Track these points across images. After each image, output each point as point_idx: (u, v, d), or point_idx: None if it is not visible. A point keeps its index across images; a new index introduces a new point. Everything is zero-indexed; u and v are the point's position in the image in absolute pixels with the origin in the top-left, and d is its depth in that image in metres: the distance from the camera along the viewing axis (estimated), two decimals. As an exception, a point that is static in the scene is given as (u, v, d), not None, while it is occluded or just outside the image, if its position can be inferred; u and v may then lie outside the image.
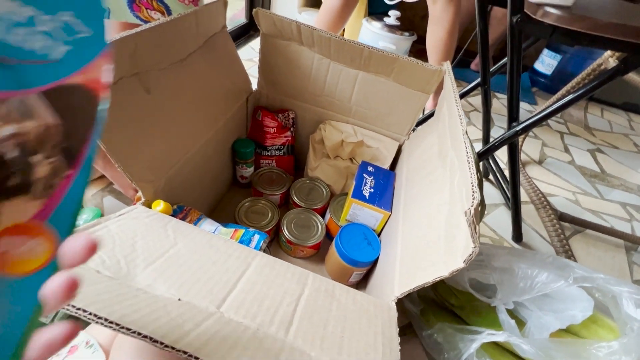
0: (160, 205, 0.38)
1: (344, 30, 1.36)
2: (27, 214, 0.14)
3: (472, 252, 0.27)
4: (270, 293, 0.30)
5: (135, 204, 0.38)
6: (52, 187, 0.14)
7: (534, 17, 0.47)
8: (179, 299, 0.27)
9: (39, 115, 0.14)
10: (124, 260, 0.29)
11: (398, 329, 0.31)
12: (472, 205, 0.27)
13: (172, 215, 0.40)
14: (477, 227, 0.27)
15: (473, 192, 0.28)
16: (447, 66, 0.51)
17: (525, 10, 0.48)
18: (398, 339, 0.29)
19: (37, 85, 0.14)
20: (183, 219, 0.42)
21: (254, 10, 0.55)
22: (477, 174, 0.43)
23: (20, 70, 0.13)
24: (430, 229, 0.38)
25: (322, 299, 0.31)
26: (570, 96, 0.54)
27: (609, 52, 0.73)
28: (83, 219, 0.33)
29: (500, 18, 1.33)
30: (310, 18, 1.37)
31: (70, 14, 0.14)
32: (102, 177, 0.66)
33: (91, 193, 0.63)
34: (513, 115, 0.60)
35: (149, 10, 0.60)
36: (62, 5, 0.14)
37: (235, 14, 1.68)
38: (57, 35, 0.14)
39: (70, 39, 0.14)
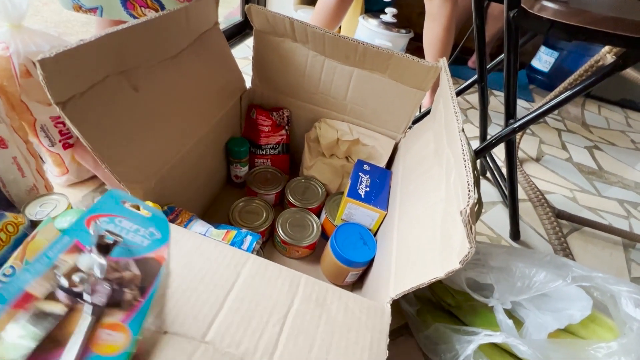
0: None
1: (340, 27, 1.35)
2: (118, 318, 0.25)
3: (468, 252, 0.27)
4: (258, 310, 0.30)
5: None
6: (132, 305, 0.26)
7: (531, 11, 0.46)
8: (165, 332, 0.26)
9: (132, 269, 0.29)
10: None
11: (388, 340, 0.30)
12: (467, 205, 0.26)
13: (162, 217, 0.39)
14: (473, 227, 0.26)
15: (469, 191, 0.28)
16: (444, 63, 0.50)
17: (522, 4, 0.47)
18: (386, 354, 0.29)
19: (133, 256, 0.30)
20: (173, 220, 0.41)
21: (247, 6, 0.54)
22: (473, 172, 0.42)
23: (128, 249, 0.30)
24: (426, 229, 0.37)
25: (311, 312, 0.31)
26: (568, 93, 0.53)
27: (606, 48, 0.72)
28: (68, 220, 0.32)
29: (496, 15, 1.32)
30: (306, 15, 1.36)
31: (154, 228, 0.32)
32: (94, 177, 0.65)
33: (82, 194, 0.62)
34: (510, 112, 0.59)
35: (142, 8, 0.59)
36: (150, 224, 0.32)
37: (231, 12, 1.66)
38: (146, 236, 0.32)
39: (150, 238, 0.32)
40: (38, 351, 0.21)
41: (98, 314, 0.24)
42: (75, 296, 0.24)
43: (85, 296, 0.25)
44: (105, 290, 0.25)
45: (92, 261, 0.27)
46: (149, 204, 0.36)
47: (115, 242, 0.29)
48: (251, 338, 0.28)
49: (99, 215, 0.31)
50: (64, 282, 0.24)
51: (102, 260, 0.27)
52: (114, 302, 0.26)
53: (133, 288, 0.27)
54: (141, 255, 0.30)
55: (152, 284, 0.28)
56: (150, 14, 0.48)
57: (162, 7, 0.52)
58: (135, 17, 0.55)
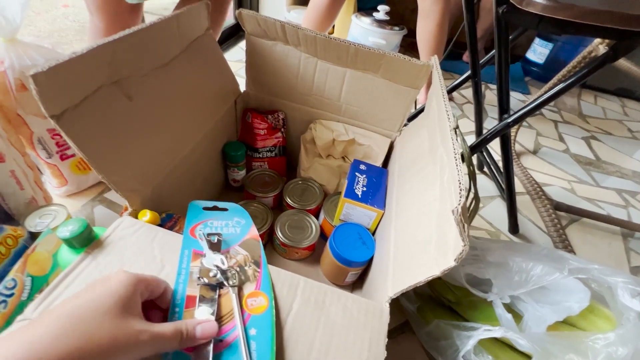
0: (146, 215, 0.37)
1: (333, 26, 1.35)
2: (253, 287, 0.33)
3: (462, 250, 0.27)
4: None
5: (122, 214, 0.38)
6: (255, 277, 0.34)
7: (520, 7, 0.46)
8: None
9: (241, 252, 0.36)
10: None
11: (387, 340, 0.31)
12: (459, 204, 0.27)
13: (160, 224, 0.39)
14: (466, 225, 0.27)
15: (460, 190, 0.28)
16: (435, 61, 0.51)
17: (511, 0, 0.48)
18: (384, 354, 0.30)
19: (236, 243, 0.37)
20: (171, 227, 0.41)
21: (237, 11, 0.54)
22: (469, 167, 0.42)
23: (229, 240, 0.37)
24: (422, 227, 0.37)
25: (310, 314, 0.31)
26: (561, 85, 0.53)
27: (598, 40, 0.73)
28: (69, 230, 0.32)
29: (488, 9, 1.32)
30: (299, 16, 1.36)
31: (237, 216, 0.41)
32: (92, 187, 0.66)
33: (81, 204, 0.63)
34: (504, 106, 0.60)
35: None
36: (233, 216, 0.41)
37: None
38: (235, 225, 0.39)
39: (239, 226, 0.39)
40: (223, 325, 0.29)
41: (238, 290, 0.32)
42: (217, 287, 0.31)
43: (224, 283, 0.32)
44: (233, 274, 0.33)
45: (213, 259, 0.33)
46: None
47: (219, 240, 0.36)
48: (251, 343, 0.28)
49: (195, 225, 0.37)
50: (206, 281, 0.31)
51: (219, 255, 0.34)
52: (244, 280, 0.33)
53: (250, 265, 0.35)
54: (241, 240, 0.37)
55: (260, 257, 0.36)
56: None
57: None
58: None
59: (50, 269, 0.40)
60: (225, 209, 0.41)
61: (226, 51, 1.30)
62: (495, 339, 0.44)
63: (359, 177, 0.56)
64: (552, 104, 1.37)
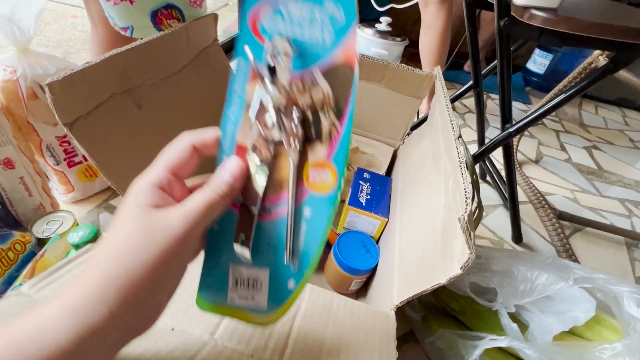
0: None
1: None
2: (322, 154, 0.22)
3: (469, 258, 0.27)
4: None
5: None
6: (331, 135, 0.21)
7: (521, 20, 0.47)
8: (173, 329, 0.27)
9: (321, 84, 0.21)
10: None
11: (396, 342, 0.30)
12: (465, 212, 0.27)
13: (167, 231, 0.40)
14: (472, 233, 0.27)
15: (466, 198, 0.28)
16: (438, 71, 0.52)
17: (512, 13, 0.49)
18: (396, 355, 0.29)
19: (317, 64, 0.21)
20: (178, 234, 0.42)
21: (245, 22, 0.55)
22: (472, 176, 0.43)
23: (308, 55, 0.21)
24: (427, 235, 0.38)
25: (319, 314, 0.31)
26: (562, 95, 0.54)
27: (598, 51, 0.74)
28: (79, 235, 0.33)
29: (489, 20, 1.35)
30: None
31: (334, 7, 0.20)
32: (98, 193, 0.66)
33: (87, 210, 0.63)
34: (506, 116, 0.60)
35: (169, 20, 0.61)
36: (332, 4, 0.20)
37: (229, 25, 1.69)
38: (326, 24, 0.21)
39: (333, 28, 0.21)
40: (271, 194, 0.22)
41: (298, 156, 0.21)
42: (273, 143, 0.21)
43: (283, 140, 0.21)
44: (299, 131, 0.21)
45: (272, 97, 0.21)
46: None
47: (288, 55, 0.21)
48: (260, 336, 0.28)
49: (259, 8, 0.21)
50: (260, 131, 0.21)
51: (279, 91, 0.21)
52: (312, 137, 0.22)
53: (328, 112, 0.21)
54: (327, 59, 0.21)
55: (348, 102, 0.21)
56: (175, 24, 0.50)
57: (182, 15, 0.52)
58: (163, 30, 0.56)
59: (57, 274, 0.40)
60: None
61: (231, 61, 1.32)
62: (501, 349, 0.44)
63: (362, 185, 0.56)
64: (553, 113, 1.38)
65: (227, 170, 0.20)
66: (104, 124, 0.36)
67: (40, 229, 0.46)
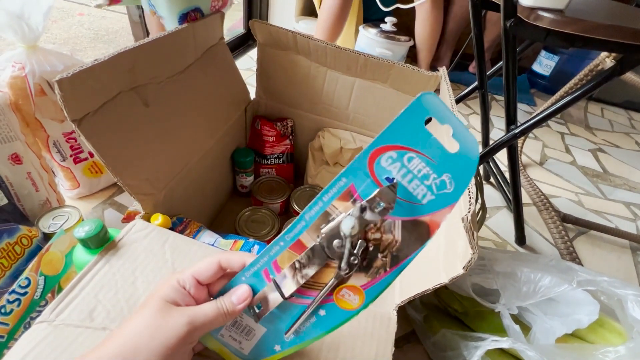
0: (158, 219, 0.38)
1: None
2: (360, 282, 0.24)
3: (471, 258, 0.27)
4: None
5: (134, 218, 0.39)
6: (377, 273, 0.24)
7: (527, 21, 0.47)
8: None
9: (393, 232, 0.23)
10: (126, 306, 0.29)
11: (394, 348, 0.30)
12: (468, 212, 0.27)
13: (171, 228, 0.40)
14: (475, 233, 0.27)
15: (470, 198, 0.28)
16: (443, 71, 0.51)
17: (518, 14, 0.49)
18: None
19: (403, 216, 0.22)
20: (182, 231, 0.42)
21: (250, 21, 0.56)
22: (476, 177, 0.43)
23: (401, 205, 0.22)
24: (430, 235, 0.38)
25: None
26: (568, 97, 0.54)
27: (605, 53, 0.73)
28: (85, 230, 0.33)
29: (495, 21, 1.34)
30: (307, 26, 1.39)
31: (449, 175, 0.21)
32: (104, 190, 0.67)
33: (92, 206, 0.64)
34: (511, 118, 0.60)
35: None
36: (448, 169, 0.21)
37: (234, 24, 1.70)
38: (432, 189, 0.22)
39: (437, 193, 0.22)
40: (302, 287, 0.24)
41: (341, 280, 0.24)
42: (330, 258, 0.23)
43: (337, 264, 0.23)
44: (355, 265, 0.23)
45: (352, 227, 0.22)
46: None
47: (387, 210, 0.22)
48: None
49: (388, 147, 0.21)
50: (324, 242, 0.23)
51: (357, 224, 0.22)
52: (365, 265, 0.24)
53: (386, 255, 0.23)
54: (414, 216, 0.22)
55: (407, 257, 0.23)
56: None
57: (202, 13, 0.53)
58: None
59: (62, 268, 0.40)
60: (454, 148, 0.21)
61: (235, 60, 1.33)
62: (503, 351, 0.44)
63: (366, 185, 0.56)
64: (558, 115, 1.37)
65: (237, 296, 0.24)
66: (111, 120, 0.37)
67: (47, 223, 0.46)
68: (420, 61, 1.34)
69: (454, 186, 0.21)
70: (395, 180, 0.22)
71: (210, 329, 0.24)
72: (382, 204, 0.22)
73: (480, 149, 0.81)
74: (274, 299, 0.25)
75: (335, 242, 0.23)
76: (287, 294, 0.24)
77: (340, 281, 0.24)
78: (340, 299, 0.24)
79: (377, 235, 0.23)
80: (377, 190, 0.22)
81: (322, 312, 0.25)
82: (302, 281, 0.24)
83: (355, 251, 0.23)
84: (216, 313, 0.23)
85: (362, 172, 0.22)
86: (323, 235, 0.23)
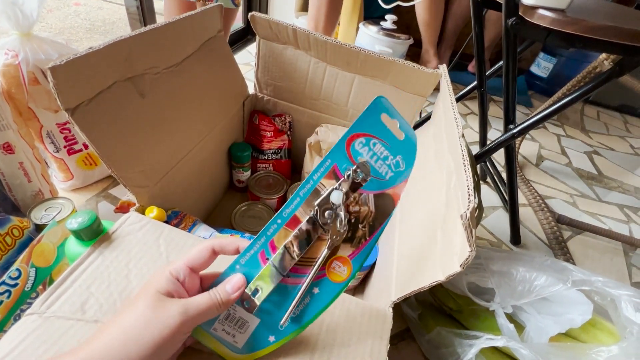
0: (153, 211, 0.38)
1: (336, 34, 1.37)
2: (347, 253, 0.28)
3: (469, 256, 0.27)
4: None
5: (128, 210, 0.38)
6: (360, 243, 0.28)
7: (528, 20, 0.47)
8: None
9: (368, 204, 0.28)
10: (119, 299, 0.29)
11: (389, 346, 0.30)
12: (468, 209, 0.27)
13: (166, 221, 0.40)
14: (473, 231, 0.27)
15: (469, 195, 0.28)
16: (443, 69, 0.51)
17: (520, 13, 0.49)
18: None
19: (374, 190, 0.28)
20: (177, 225, 0.42)
21: (250, 14, 0.55)
22: (474, 177, 0.43)
23: (372, 181, 0.28)
24: (427, 233, 0.38)
25: None
26: (566, 99, 0.54)
27: (603, 55, 0.73)
28: (78, 222, 0.32)
29: (494, 20, 1.34)
30: (306, 22, 1.38)
31: (401, 157, 0.28)
32: (98, 182, 0.66)
33: (86, 198, 0.63)
34: (509, 117, 0.60)
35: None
36: (399, 152, 0.28)
37: (233, 18, 1.68)
38: (391, 167, 0.28)
39: (394, 170, 0.28)
40: (297, 265, 0.27)
41: (333, 249, 0.27)
42: (322, 229, 0.27)
43: (328, 232, 0.27)
44: (344, 230, 0.27)
45: (340, 198, 0.27)
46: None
47: (365, 180, 0.27)
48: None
49: (358, 134, 0.27)
50: (316, 214, 0.26)
51: (343, 195, 0.27)
52: (350, 237, 0.28)
53: (365, 225, 0.28)
54: (381, 190, 0.28)
55: (381, 225, 0.28)
56: (208, 3, 0.50)
57: None
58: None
59: (54, 260, 0.40)
60: (401, 136, 0.29)
61: (234, 54, 1.32)
62: (497, 349, 0.44)
63: (363, 182, 0.56)
64: (555, 117, 1.38)
65: (231, 284, 0.25)
66: (106, 111, 0.36)
67: (39, 215, 0.46)
68: (426, 43, 1.36)
69: (405, 165, 0.29)
70: (366, 160, 0.27)
71: (204, 320, 0.23)
72: (361, 174, 0.27)
73: (477, 148, 0.81)
74: (272, 280, 0.26)
75: (327, 212, 0.26)
76: (284, 272, 0.26)
77: (332, 252, 0.27)
78: (332, 271, 0.27)
79: (357, 208, 0.28)
80: (358, 163, 0.27)
81: (316, 290, 0.27)
82: (297, 256, 0.26)
83: (344, 222, 0.27)
84: (210, 303, 0.23)
85: (342, 154, 0.27)
86: (316, 207, 0.26)
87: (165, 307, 0.22)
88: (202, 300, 0.23)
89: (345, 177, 0.27)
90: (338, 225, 0.27)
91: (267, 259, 0.26)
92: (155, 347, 0.20)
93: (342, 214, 0.27)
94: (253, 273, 0.26)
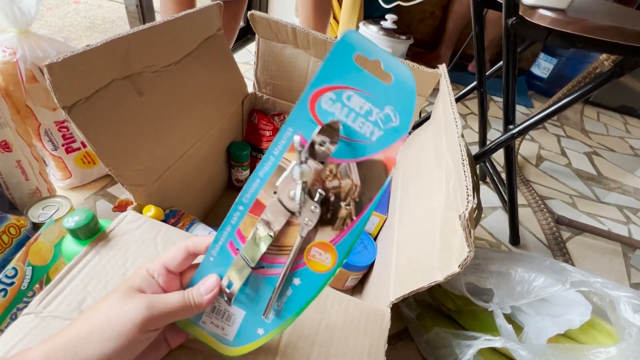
0: (151, 210, 0.37)
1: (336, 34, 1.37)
2: (329, 237, 0.23)
3: (467, 256, 0.27)
4: None
5: (125, 209, 0.38)
6: (344, 224, 0.23)
7: (529, 19, 0.47)
8: None
9: (352, 177, 0.22)
10: None
11: (387, 345, 0.30)
12: (466, 209, 0.27)
13: (164, 220, 0.39)
14: (472, 231, 0.27)
15: (468, 195, 0.28)
16: (443, 69, 0.51)
17: (520, 13, 0.48)
18: None
19: (356, 157, 0.22)
20: (175, 224, 0.41)
21: (250, 13, 0.55)
22: (473, 177, 0.43)
23: (352, 146, 0.21)
24: (426, 233, 0.37)
25: (311, 318, 0.31)
26: (566, 99, 0.54)
27: (604, 56, 0.73)
28: (75, 220, 0.32)
29: (495, 21, 1.34)
30: (308, 21, 1.37)
31: (391, 108, 0.21)
32: (96, 180, 0.66)
33: (84, 197, 0.63)
34: (509, 118, 0.60)
35: None
36: (389, 101, 0.21)
37: (233, 17, 1.68)
38: (378, 124, 0.21)
39: (384, 127, 0.21)
40: (270, 254, 0.23)
41: (308, 234, 0.23)
42: (290, 213, 0.22)
43: (298, 216, 0.22)
44: (316, 213, 0.22)
45: (304, 173, 0.22)
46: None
47: (330, 146, 0.21)
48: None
49: (325, 88, 0.21)
50: (281, 196, 0.22)
51: (312, 169, 0.21)
52: (330, 218, 0.23)
53: (349, 203, 0.22)
54: (366, 155, 0.22)
55: (371, 200, 0.22)
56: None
57: None
58: None
59: (51, 259, 0.39)
60: (389, 80, 0.21)
61: (233, 53, 1.31)
62: (495, 350, 0.44)
63: (362, 181, 0.56)
64: (555, 118, 1.38)
65: (205, 286, 0.24)
66: (104, 109, 0.36)
67: (36, 213, 0.45)
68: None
69: (399, 118, 0.21)
70: (337, 119, 0.21)
71: (174, 320, 0.23)
72: (325, 140, 0.21)
73: (477, 148, 0.81)
74: (243, 273, 0.23)
75: (291, 192, 0.22)
76: (253, 263, 0.23)
77: (308, 238, 0.23)
78: (312, 260, 0.23)
79: (336, 183, 0.22)
80: (317, 127, 0.21)
81: (296, 281, 0.24)
82: (265, 245, 0.23)
83: (314, 200, 0.22)
84: (181, 304, 0.22)
85: (307, 119, 0.21)
86: (278, 188, 0.22)
87: (132, 301, 0.21)
88: (172, 299, 0.22)
89: (299, 146, 0.21)
90: (308, 207, 0.22)
91: (237, 249, 0.23)
92: (118, 340, 0.20)
93: (309, 194, 0.22)
94: (225, 264, 0.24)
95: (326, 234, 0.23)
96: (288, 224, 0.23)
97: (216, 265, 0.24)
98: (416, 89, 0.59)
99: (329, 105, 0.21)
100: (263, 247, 0.23)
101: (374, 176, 0.22)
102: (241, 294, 0.24)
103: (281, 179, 0.22)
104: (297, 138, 0.21)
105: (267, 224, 0.23)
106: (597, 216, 0.90)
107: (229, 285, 0.24)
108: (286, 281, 0.23)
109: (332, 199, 0.22)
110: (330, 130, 0.21)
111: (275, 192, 0.22)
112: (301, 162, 0.21)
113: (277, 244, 0.23)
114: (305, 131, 0.21)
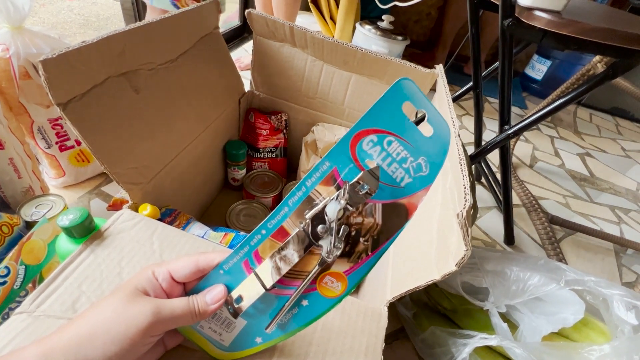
0: (147, 209, 0.37)
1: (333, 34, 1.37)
2: (343, 268, 0.24)
3: (464, 255, 0.27)
4: None
5: (120, 208, 0.37)
6: (359, 258, 0.24)
7: (524, 21, 0.47)
8: None
9: (375, 216, 0.23)
10: None
11: (384, 345, 0.30)
12: (464, 208, 0.27)
13: (160, 219, 0.39)
14: (469, 230, 0.27)
15: (465, 194, 0.28)
16: (440, 69, 0.51)
17: (516, 14, 0.49)
18: (381, 359, 0.29)
19: (383, 199, 0.23)
20: (171, 222, 0.41)
21: (247, 11, 0.55)
22: (469, 176, 0.43)
23: (382, 188, 0.22)
24: (423, 232, 0.38)
25: None
26: (560, 101, 0.54)
27: (597, 58, 0.74)
28: (69, 219, 0.32)
29: (491, 22, 1.35)
30: (304, 21, 1.38)
31: (424, 159, 0.22)
32: (90, 179, 0.65)
33: (78, 196, 0.62)
34: (504, 118, 0.61)
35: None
36: (424, 152, 0.22)
37: (230, 16, 1.67)
38: (409, 172, 0.22)
39: (414, 175, 0.22)
40: (284, 277, 0.24)
41: (325, 266, 0.24)
42: (314, 244, 0.23)
43: (322, 250, 0.23)
44: (339, 249, 0.23)
45: (337, 212, 0.22)
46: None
47: (369, 194, 0.22)
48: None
49: (369, 131, 0.22)
50: (308, 227, 0.23)
51: (341, 208, 0.22)
52: (348, 251, 0.24)
53: (368, 239, 0.24)
54: (393, 199, 0.23)
55: (387, 240, 0.24)
56: (193, 5, 0.49)
57: None
58: (177, 7, 0.62)
59: (44, 258, 0.39)
60: (429, 132, 0.22)
61: (230, 52, 1.31)
62: (490, 348, 0.44)
63: (359, 181, 0.56)
64: (548, 119, 1.39)
65: (211, 295, 0.24)
66: (99, 106, 0.35)
67: (29, 212, 0.45)
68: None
69: (429, 169, 0.23)
70: (376, 164, 0.22)
71: (178, 325, 0.23)
72: (365, 187, 0.22)
73: (472, 149, 0.82)
74: (255, 291, 0.24)
75: (320, 227, 0.22)
76: (268, 285, 0.23)
77: (324, 268, 0.24)
78: (324, 286, 0.24)
79: (359, 220, 0.23)
80: (361, 173, 0.22)
81: (304, 302, 0.24)
82: (284, 271, 0.23)
83: (339, 236, 0.23)
84: (186, 310, 0.22)
85: (345, 156, 0.22)
86: (307, 220, 0.22)
87: (138, 303, 0.21)
88: (178, 304, 0.22)
89: (343, 192, 0.22)
90: (332, 242, 0.23)
91: (252, 268, 0.24)
92: (122, 343, 0.20)
93: (337, 228, 0.23)
94: (237, 279, 0.24)
95: (341, 265, 0.24)
96: (308, 252, 0.23)
97: (225, 278, 0.24)
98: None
99: (369, 147, 0.22)
100: (281, 273, 0.23)
101: (395, 218, 0.23)
102: (248, 308, 0.24)
103: (313, 212, 0.22)
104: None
105: (288, 253, 0.23)
106: (590, 216, 0.91)
107: (238, 300, 0.24)
108: (295, 301, 0.24)
109: (353, 233, 0.23)
110: (371, 177, 0.22)
111: (301, 222, 0.23)
112: (334, 200, 0.22)
113: (294, 268, 0.24)
114: (341, 168, 0.22)
